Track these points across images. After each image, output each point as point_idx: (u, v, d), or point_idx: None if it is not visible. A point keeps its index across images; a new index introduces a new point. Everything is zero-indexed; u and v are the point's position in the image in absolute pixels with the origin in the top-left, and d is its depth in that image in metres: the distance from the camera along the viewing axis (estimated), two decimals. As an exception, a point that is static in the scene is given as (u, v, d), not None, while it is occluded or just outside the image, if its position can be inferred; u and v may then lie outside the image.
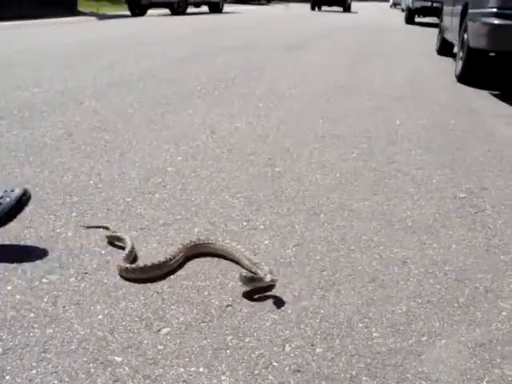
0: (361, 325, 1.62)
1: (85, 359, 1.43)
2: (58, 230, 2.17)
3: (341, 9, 29.74)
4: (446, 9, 9.10)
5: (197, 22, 16.13)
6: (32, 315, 1.62)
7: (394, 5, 39.42)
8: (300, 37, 11.44)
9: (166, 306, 1.68)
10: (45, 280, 1.81)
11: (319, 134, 3.69)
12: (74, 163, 2.97)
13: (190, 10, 22.89)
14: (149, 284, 1.79)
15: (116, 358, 1.44)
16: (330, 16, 23.22)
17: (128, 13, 20.99)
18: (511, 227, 2.35)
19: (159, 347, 1.48)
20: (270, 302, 1.71)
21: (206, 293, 1.75)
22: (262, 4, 42.35)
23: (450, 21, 8.02)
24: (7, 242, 2.06)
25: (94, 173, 2.83)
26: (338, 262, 1.98)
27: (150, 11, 21.47)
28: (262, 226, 2.25)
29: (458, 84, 6.17)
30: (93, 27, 13.71)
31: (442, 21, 9.79)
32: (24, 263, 1.92)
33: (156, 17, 19.52)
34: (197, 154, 3.18)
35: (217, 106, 4.44)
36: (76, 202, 2.44)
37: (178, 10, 21.26)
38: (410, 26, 18.31)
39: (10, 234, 2.13)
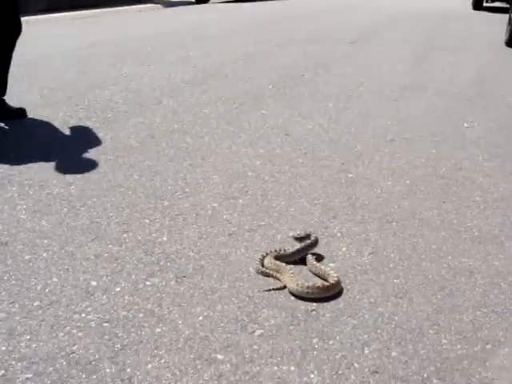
0: (431, 331, 1.81)
1: (191, 356, 1.67)
2: (154, 235, 2.42)
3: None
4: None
5: (262, 11, 16.29)
6: (141, 315, 1.86)
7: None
8: (361, 27, 11.49)
9: (258, 309, 1.90)
10: (148, 283, 2.06)
11: (389, 137, 3.86)
12: (160, 167, 3.22)
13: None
14: (240, 288, 2.02)
15: (218, 355, 1.67)
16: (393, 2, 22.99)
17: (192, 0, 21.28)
18: None
19: (254, 347, 1.71)
20: (349, 307, 1.92)
21: (292, 298, 1.97)
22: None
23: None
24: (110, 246, 2.31)
25: (179, 177, 3.07)
26: (410, 271, 2.17)
27: (214, -3, 21.69)
28: (338, 234, 2.45)
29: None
30: (160, 17, 14.04)
31: (511, 11, 9.67)
32: (127, 266, 2.17)
33: (221, 3, 19.74)
34: (274, 157, 3.39)
35: (288, 106, 4.64)
36: (167, 207, 2.69)
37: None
38: (477, 12, 18.00)
39: (111, 237, 2.38)
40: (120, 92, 5.04)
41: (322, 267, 2.11)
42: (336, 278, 2.01)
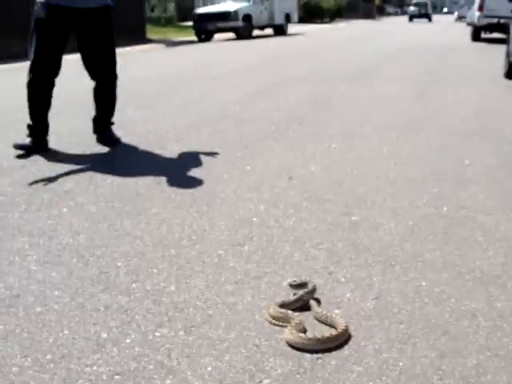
0: (436, 377, 1.85)
1: (201, 408, 1.71)
2: (162, 284, 2.48)
3: (407, 28, 29.89)
4: (513, 34, 9.15)
5: (262, 48, 16.54)
6: (151, 367, 1.91)
7: (460, 18, 39.40)
8: (363, 63, 11.65)
9: (265, 358, 1.94)
10: (157, 333, 2.11)
11: (391, 177, 3.92)
12: (166, 214, 3.29)
13: (255, 32, 23.33)
14: (247, 337, 2.06)
15: (227, 407, 1.71)
16: (392, 35, 23.32)
17: (194, 38, 21.57)
18: None
19: (263, 397, 1.75)
20: (355, 354, 1.96)
21: (298, 346, 2.02)
22: (325, 22, 42.72)
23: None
24: (119, 296, 2.37)
25: (186, 224, 3.13)
26: (414, 315, 2.21)
27: (216, 36, 21.99)
28: (343, 279, 2.50)
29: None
30: (162, 57, 14.27)
31: (508, 44, 9.80)
32: (136, 316, 2.23)
33: (222, 41, 20.03)
34: (278, 201, 3.45)
35: (291, 148, 4.72)
36: (174, 256, 2.75)
37: (243, 33, 21.74)
38: (476, 43, 18.21)
39: (120, 287, 2.44)
40: (126, 136, 5.14)
41: (329, 314, 2.16)
42: (344, 326, 2.05)
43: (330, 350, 2.00)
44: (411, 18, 53.56)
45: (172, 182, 3.83)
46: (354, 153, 4.62)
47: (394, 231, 3.01)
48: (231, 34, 22.99)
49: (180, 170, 4.13)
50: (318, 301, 2.30)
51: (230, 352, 1.98)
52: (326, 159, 4.41)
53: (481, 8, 18.11)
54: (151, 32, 23.24)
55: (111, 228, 3.09)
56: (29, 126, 4.62)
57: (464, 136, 5.18)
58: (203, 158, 4.45)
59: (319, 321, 2.18)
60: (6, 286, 2.48)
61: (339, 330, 2.05)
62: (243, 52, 15.19)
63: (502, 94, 7.74)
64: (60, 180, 3.94)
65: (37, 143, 4.62)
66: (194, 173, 4.05)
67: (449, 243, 2.87)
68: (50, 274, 2.57)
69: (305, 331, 2.09)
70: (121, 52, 14.34)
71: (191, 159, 4.43)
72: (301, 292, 2.28)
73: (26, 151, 4.52)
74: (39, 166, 4.31)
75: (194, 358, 1.95)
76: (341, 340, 2.03)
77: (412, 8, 56.59)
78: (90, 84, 4.84)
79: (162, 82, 9.17)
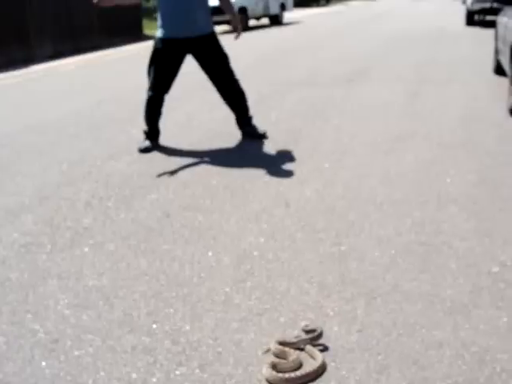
0: (405, 404, 2.29)
1: None
2: (179, 324, 2.92)
3: (405, 9, 30.20)
4: (500, 32, 9.43)
5: (257, 44, 16.87)
6: (174, 404, 2.36)
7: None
8: (359, 59, 12.00)
9: (266, 393, 2.39)
10: (177, 372, 2.56)
11: (378, 200, 4.35)
12: (177, 250, 3.73)
13: (251, 22, 23.63)
14: (252, 373, 2.51)
15: None
16: (392, 18, 23.54)
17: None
18: (532, 303, 2.96)
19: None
20: (339, 386, 2.41)
21: (293, 382, 2.46)
22: (322, 5, 42.87)
23: (503, 49, 8.40)
24: (143, 338, 2.82)
25: (195, 260, 3.57)
26: (390, 346, 2.65)
27: (213, 28, 22.26)
28: (331, 313, 2.94)
29: (510, 119, 6.64)
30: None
31: (497, 39, 10.07)
32: (159, 356, 2.68)
33: (218, 35, 20.30)
34: (276, 233, 3.89)
35: (288, 169, 5.15)
36: (187, 295, 3.19)
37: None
38: (470, 28, 18.51)
39: (143, 328, 2.89)
40: (133, 163, 5.57)
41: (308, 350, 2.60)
42: (313, 368, 2.48)
43: (320, 380, 2.43)
44: None
45: (180, 215, 4.25)
46: (346, 172, 5.04)
47: (377, 261, 3.44)
48: (228, 26, 23.21)
49: (186, 201, 4.55)
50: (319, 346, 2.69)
51: (238, 388, 2.43)
52: (319, 181, 4.83)
53: (474, -8, 18.43)
54: (147, 28, 23.52)
55: (129, 267, 3.54)
56: (145, 132, 6.07)
57: (448, 148, 5.58)
58: (206, 184, 4.87)
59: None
60: (46, 331, 2.92)
61: (307, 370, 2.48)
62: (238, 49, 15.49)
63: (489, 95, 8.10)
64: (76, 215, 4.37)
65: (153, 144, 6.03)
66: (198, 202, 4.48)
67: (425, 272, 3.30)
68: (81, 318, 3.02)
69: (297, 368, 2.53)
70: (116, 52, 14.67)
71: (194, 186, 4.86)
72: (303, 336, 2.70)
73: (147, 150, 5.94)
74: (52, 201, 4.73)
75: (209, 394, 2.40)
76: (311, 377, 2.45)
77: None
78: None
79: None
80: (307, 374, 2.46)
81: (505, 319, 2.82)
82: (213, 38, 5.79)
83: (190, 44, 5.67)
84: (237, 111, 6.12)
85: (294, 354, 2.57)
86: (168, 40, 5.65)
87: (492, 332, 2.72)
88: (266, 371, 2.47)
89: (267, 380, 2.46)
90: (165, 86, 5.84)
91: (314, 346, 2.65)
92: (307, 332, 2.69)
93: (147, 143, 5.99)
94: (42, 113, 8.52)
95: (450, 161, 5.23)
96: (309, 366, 2.50)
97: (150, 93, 5.84)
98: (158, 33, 5.73)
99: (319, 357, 2.54)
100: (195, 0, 5.55)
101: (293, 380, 2.45)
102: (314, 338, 2.66)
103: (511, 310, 2.90)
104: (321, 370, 2.49)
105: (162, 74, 5.76)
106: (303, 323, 2.77)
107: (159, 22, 5.68)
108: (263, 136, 6.16)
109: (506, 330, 2.74)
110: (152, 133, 6.05)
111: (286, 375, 2.46)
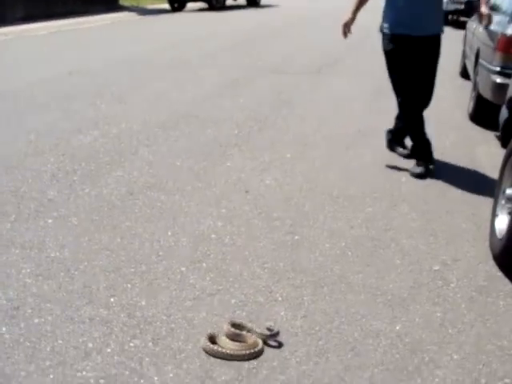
0: (339, 386, 2.50)
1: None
2: (135, 299, 3.09)
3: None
4: (468, 37, 9.66)
5: (235, 23, 16.93)
6: (127, 373, 2.54)
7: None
8: (334, 47, 12.12)
9: (214, 367, 2.59)
10: (131, 344, 2.73)
11: (334, 194, 4.55)
12: (138, 228, 3.88)
13: (229, 2, 23.62)
14: (201, 349, 2.70)
15: (183, 408, 2.35)
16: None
17: (167, 6, 21.86)
18: (465, 302, 3.19)
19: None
20: (281, 365, 2.61)
21: (239, 360, 2.66)
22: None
23: (469, 55, 8.64)
24: (101, 310, 2.98)
25: (155, 239, 3.74)
26: (331, 333, 2.86)
27: (189, 5, 22.24)
28: (280, 298, 3.14)
29: (469, 123, 6.89)
30: (134, 30, 14.64)
31: (465, 44, 10.30)
32: (115, 328, 2.85)
33: (195, 12, 20.29)
34: (234, 218, 4.07)
35: (251, 157, 5.32)
36: (145, 271, 3.36)
37: (216, 4, 22.06)
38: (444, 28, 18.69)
39: (101, 301, 3.05)
40: (101, 138, 5.70)
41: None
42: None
43: (264, 360, 2.63)
44: None
45: (143, 194, 4.41)
46: (306, 164, 5.23)
47: (328, 252, 3.65)
48: (204, 4, 23.15)
49: (150, 180, 4.69)
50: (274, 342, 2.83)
51: (187, 361, 2.61)
52: (279, 171, 5.02)
53: (448, -7, 18.68)
54: (124, -2, 23.30)
55: (91, 242, 3.68)
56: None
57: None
58: (170, 165, 5.02)
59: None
60: (7, 298, 3.07)
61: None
62: (215, 28, 15.55)
63: (453, 97, 8.30)
64: (42, 186, 4.49)
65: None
66: (162, 183, 4.63)
67: (371, 265, 3.51)
68: (42, 288, 3.16)
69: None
70: (89, 20, 14.65)
71: (158, 166, 5.02)
72: (258, 330, 2.83)
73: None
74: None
75: (160, 365, 2.58)
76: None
77: None
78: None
79: (132, 66, 9.63)
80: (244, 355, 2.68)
81: (439, 314, 3.04)
82: (438, 41, 5.14)
83: (417, 43, 4.99)
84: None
85: (252, 338, 2.74)
86: (397, 36, 5.01)
87: (426, 325, 2.95)
88: (203, 342, 2.67)
89: (203, 349, 2.67)
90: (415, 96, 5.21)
91: (269, 342, 2.81)
92: (268, 329, 2.82)
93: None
94: (11, 79, 8.53)
95: (406, 160, 5.42)
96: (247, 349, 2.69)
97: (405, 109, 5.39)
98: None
99: (259, 345, 2.72)
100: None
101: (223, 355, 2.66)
102: (272, 335, 2.81)
103: (446, 306, 3.12)
104: (254, 356, 2.68)
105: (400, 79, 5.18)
106: (268, 323, 2.87)
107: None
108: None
109: (439, 324, 2.96)
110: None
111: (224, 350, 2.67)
